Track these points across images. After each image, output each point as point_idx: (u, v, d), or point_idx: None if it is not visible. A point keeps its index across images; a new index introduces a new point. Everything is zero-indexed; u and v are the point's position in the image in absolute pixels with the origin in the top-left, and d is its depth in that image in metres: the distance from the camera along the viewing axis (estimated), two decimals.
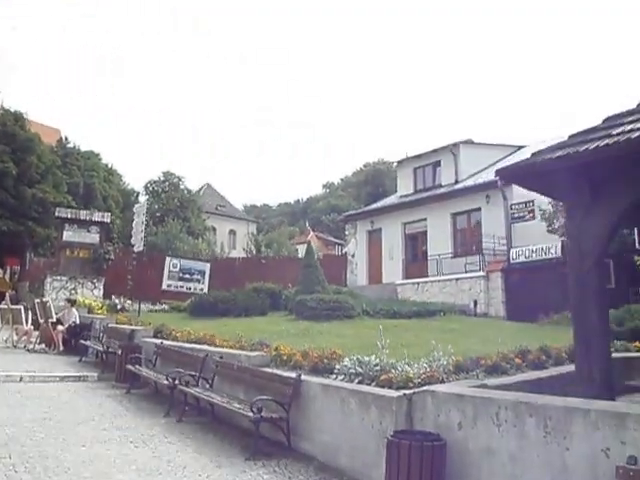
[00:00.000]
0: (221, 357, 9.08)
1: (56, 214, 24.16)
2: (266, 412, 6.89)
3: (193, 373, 9.05)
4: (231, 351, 9.48)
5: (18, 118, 31.50)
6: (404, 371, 6.58)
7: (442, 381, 6.33)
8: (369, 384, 6.61)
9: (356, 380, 6.82)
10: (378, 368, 6.82)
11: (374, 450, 5.77)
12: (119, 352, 11.57)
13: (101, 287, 22.62)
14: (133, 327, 13.13)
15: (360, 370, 6.92)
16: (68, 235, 23.11)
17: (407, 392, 5.86)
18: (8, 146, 29.24)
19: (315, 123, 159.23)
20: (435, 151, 27.14)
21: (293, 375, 7.28)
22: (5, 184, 28.29)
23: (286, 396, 7.05)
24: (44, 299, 17.13)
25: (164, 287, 21.08)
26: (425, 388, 5.81)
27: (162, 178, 47.02)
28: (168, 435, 7.64)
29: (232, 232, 59.83)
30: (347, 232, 31.23)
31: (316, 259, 19.11)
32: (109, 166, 42.63)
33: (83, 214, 23.89)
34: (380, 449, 5.47)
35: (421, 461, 4.85)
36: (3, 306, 16.96)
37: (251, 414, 6.80)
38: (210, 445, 7.29)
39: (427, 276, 23.64)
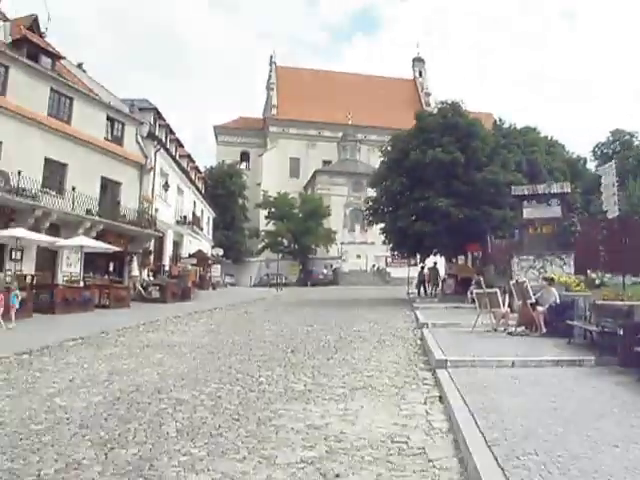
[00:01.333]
0: None
1: (512, 193, 24.03)
2: None
3: None
4: None
5: (455, 108, 32.66)
6: None
7: None
8: None
9: None
10: None
11: None
12: (620, 332, 10.24)
13: (571, 262, 21.31)
14: (630, 303, 11.58)
15: None
16: (528, 212, 22.82)
17: None
18: (451, 136, 30.45)
19: None
20: None
21: None
22: (456, 172, 29.50)
23: None
24: (520, 280, 16.74)
25: None
26: None
27: (611, 138, 44.07)
28: None
29: None
30: None
31: None
32: (549, 138, 41.74)
33: (540, 188, 23.19)
34: None
35: None
36: (479, 290, 17.16)
37: None
38: None
39: None
